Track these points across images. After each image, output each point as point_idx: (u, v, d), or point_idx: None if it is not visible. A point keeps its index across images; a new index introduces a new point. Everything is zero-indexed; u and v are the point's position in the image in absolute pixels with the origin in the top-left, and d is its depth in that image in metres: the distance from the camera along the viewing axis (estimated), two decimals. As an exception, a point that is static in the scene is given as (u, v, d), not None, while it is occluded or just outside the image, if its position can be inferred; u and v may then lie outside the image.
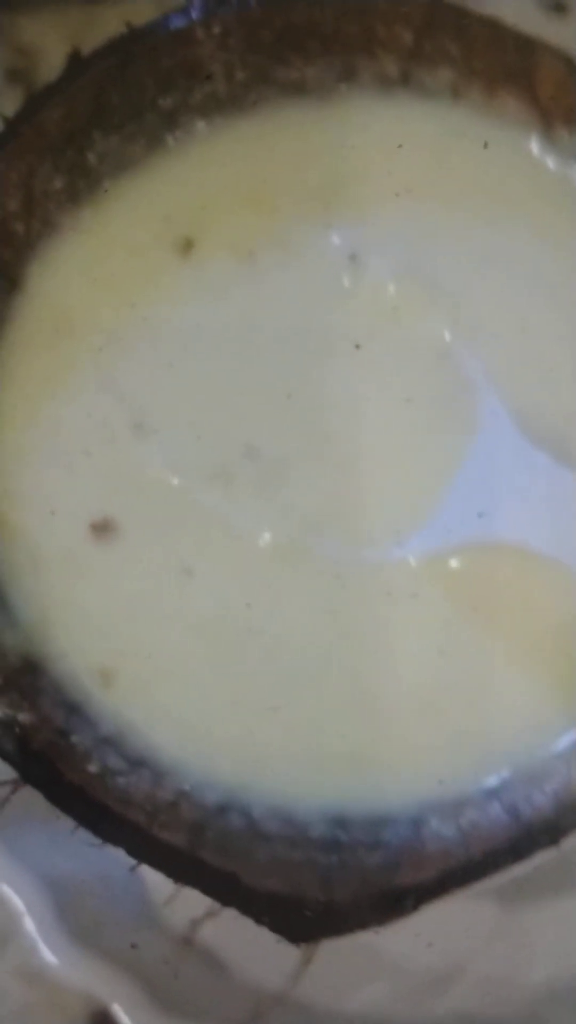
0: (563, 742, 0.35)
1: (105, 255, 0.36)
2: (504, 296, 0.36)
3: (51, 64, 0.36)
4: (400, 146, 0.36)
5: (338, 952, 0.35)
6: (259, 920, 0.34)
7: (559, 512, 0.36)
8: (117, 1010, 0.35)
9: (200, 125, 0.37)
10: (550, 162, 0.37)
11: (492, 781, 0.35)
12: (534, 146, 0.37)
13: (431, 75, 0.36)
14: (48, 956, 0.35)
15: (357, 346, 0.36)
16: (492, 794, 0.35)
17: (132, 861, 0.34)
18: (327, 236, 0.36)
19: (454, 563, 0.36)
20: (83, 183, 0.36)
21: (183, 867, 0.34)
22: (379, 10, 0.36)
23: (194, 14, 0.36)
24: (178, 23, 0.36)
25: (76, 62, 0.36)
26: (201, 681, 0.35)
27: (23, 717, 0.34)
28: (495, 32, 0.36)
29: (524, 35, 0.36)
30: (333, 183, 0.36)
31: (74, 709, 0.35)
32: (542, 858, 0.34)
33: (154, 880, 0.36)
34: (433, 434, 0.36)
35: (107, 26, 0.36)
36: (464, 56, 0.36)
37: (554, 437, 0.36)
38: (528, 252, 0.36)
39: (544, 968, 0.37)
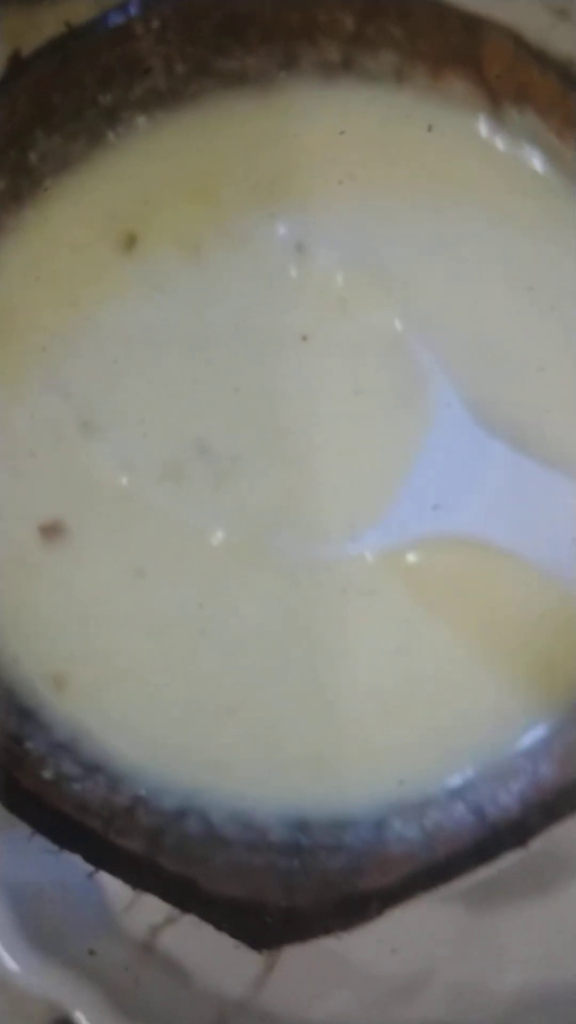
0: (528, 739, 0.34)
1: (48, 254, 0.36)
2: (455, 283, 0.36)
3: (-9, 67, 0.36)
4: (342, 132, 0.36)
5: (302, 959, 0.35)
6: (219, 927, 0.33)
7: (517, 502, 0.35)
8: (80, 1017, 0.35)
9: (141, 120, 0.37)
10: (499, 143, 0.36)
11: (456, 781, 0.34)
12: (482, 127, 0.36)
13: (374, 59, 0.36)
14: (9, 964, 0.35)
15: (304, 338, 0.36)
16: (456, 794, 0.34)
17: (90, 867, 0.34)
18: (272, 227, 0.36)
19: (411, 558, 0.35)
20: (25, 183, 0.37)
21: (141, 873, 0.34)
22: (319, -4, 0.35)
23: (132, 10, 0.36)
24: (116, 20, 0.36)
25: (17, 63, 0.36)
26: (156, 684, 0.35)
27: (-26, 724, 0.34)
28: (439, 12, 0.35)
29: (470, 14, 0.35)
30: (277, 173, 0.36)
31: (27, 715, 0.35)
32: (510, 860, 0.33)
33: (113, 886, 0.36)
34: (386, 426, 0.36)
35: (47, 26, 0.36)
36: (408, 38, 0.36)
37: (511, 425, 0.35)
38: (479, 237, 0.36)
39: (515, 974, 0.36)
